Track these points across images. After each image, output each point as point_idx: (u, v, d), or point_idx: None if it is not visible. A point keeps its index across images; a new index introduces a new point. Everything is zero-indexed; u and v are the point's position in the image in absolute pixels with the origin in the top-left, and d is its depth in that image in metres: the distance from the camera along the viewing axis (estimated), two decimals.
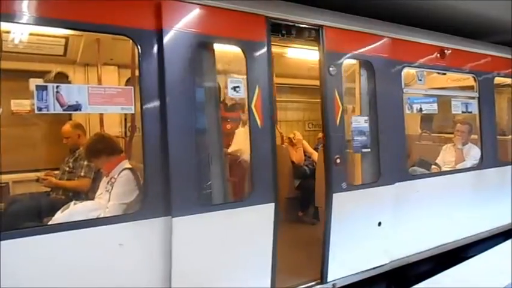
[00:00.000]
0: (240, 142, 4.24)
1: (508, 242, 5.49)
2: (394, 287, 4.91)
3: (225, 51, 3.59)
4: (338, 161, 3.84)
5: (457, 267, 4.64)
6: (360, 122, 4.22)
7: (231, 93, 3.44)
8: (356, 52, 4.20)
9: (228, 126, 4.68)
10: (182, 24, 3.10)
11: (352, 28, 4.14)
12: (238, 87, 3.44)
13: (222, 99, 4.59)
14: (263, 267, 3.52)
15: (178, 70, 3.08)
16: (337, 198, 3.85)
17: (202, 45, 3.29)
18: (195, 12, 3.18)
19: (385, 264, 4.41)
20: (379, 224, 4.25)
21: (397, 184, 4.42)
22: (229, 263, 3.32)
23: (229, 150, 4.34)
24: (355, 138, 4.14)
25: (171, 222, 2.96)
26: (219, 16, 3.32)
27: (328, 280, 3.91)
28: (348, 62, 4.25)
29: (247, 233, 3.41)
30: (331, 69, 3.85)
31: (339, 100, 3.89)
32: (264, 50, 3.53)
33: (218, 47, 3.47)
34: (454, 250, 5.23)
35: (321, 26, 3.86)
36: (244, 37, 3.45)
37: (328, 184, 3.84)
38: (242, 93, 3.46)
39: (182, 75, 3.10)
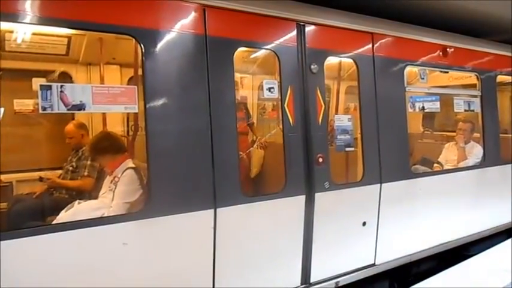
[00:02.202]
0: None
1: (510, 240, 5.49)
2: (397, 285, 4.93)
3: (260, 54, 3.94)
4: (320, 160, 3.81)
5: (459, 265, 4.64)
6: (343, 120, 4.20)
7: (266, 93, 3.65)
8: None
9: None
10: (223, 30, 3.32)
11: (346, 26, 4.11)
12: (272, 88, 3.63)
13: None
14: (294, 255, 3.76)
15: (221, 73, 3.27)
16: (320, 198, 3.82)
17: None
18: (235, 19, 3.39)
19: (372, 264, 4.37)
20: (364, 223, 4.22)
21: (398, 182, 4.42)
22: (266, 248, 3.57)
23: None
24: (338, 137, 4.11)
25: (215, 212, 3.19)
26: (257, 22, 3.52)
27: (311, 281, 3.89)
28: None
29: (280, 222, 3.64)
30: (312, 67, 3.81)
31: (321, 98, 3.87)
32: (295, 52, 3.67)
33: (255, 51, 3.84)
34: (455, 248, 5.24)
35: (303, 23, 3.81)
36: (277, 41, 3.63)
37: (309, 183, 3.81)
38: (276, 94, 3.64)
39: (223, 78, 3.30)
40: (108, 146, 3.62)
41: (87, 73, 5.12)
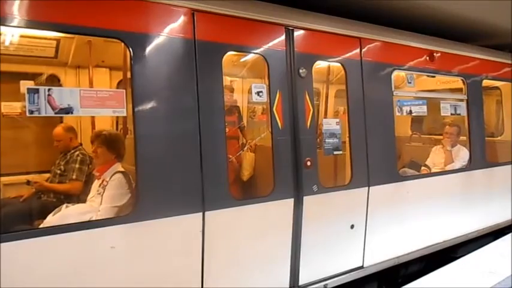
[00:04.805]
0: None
1: (496, 242, 5.57)
2: (385, 286, 4.98)
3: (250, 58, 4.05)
4: (309, 163, 3.83)
5: (447, 267, 4.70)
6: (332, 124, 4.24)
7: (254, 97, 3.67)
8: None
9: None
10: (212, 34, 3.34)
11: (334, 31, 4.15)
12: (261, 92, 3.66)
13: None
14: (283, 258, 3.78)
15: (209, 77, 3.28)
16: (308, 201, 3.84)
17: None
18: (224, 23, 3.41)
19: (361, 267, 4.40)
20: (352, 226, 4.26)
21: (386, 185, 4.48)
22: (255, 251, 3.59)
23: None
24: (326, 140, 4.14)
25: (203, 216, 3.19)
26: (245, 27, 3.55)
27: (300, 284, 3.91)
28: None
29: (268, 226, 3.65)
30: (301, 71, 3.84)
31: (309, 102, 3.91)
32: (284, 57, 3.71)
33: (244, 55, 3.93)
34: (443, 250, 5.30)
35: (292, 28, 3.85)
36: (266, 45, 3.67)
37: (298, 187, 3.80)
38: (265, 98, 3.67)
39: (212, 82, 3.31)
40: (116, 147, 3.62)
41: (76, 76, 5.09)
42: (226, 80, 5.62)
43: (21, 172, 4.59)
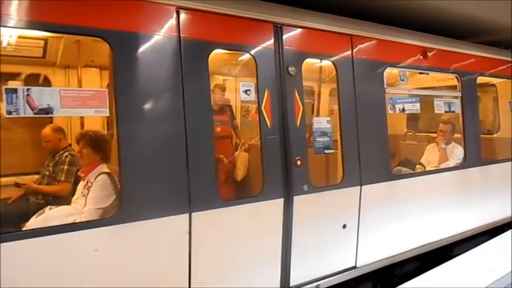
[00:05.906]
0: None
1: (495, 239, 5.52)
2: (380, 286, 4.92)
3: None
4: (299, 162, 3.77)
5: (444, 265, 4.65)
6: (322, 122, 4.18)
7: (243, 96, 3.62)
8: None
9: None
10: (198, 32, 3.28)
11: (324, 28, 4.10)
12: (249, 90, 3.61)
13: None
14: (273, 259, 3.73)
15: (195, 76, 3.22)
16: (299, 201, 3.78)
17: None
18: (210, 21, 3.35)
19: (353, 267, 4.35)
20: (344, 226, 4.20)
21: (379, 184, 4.42)
22: (244, 252, 3.54)
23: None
24: (317, 139, 4.08)
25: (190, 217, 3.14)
26: (232, 24, 3.48)
27: (291, 285, 3.85)
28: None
29: (258, 226, 3.60)
30: (290, 69, 3.78)
31: (299, 101, 3.85)
32: (273, 54, 3.66)
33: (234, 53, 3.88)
34: (439, 249, 5.25)
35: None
36: (254, 43, 3.61)
37: (288, 187, 3.74)
38: (253, 96, 3.62)
39: (198, 81, 3.25)
40: (101, 148, 3.58)
41: (65, 76, 5.04)
42: (218, 79, 5.59)
43: (8, 174, 4.52)
